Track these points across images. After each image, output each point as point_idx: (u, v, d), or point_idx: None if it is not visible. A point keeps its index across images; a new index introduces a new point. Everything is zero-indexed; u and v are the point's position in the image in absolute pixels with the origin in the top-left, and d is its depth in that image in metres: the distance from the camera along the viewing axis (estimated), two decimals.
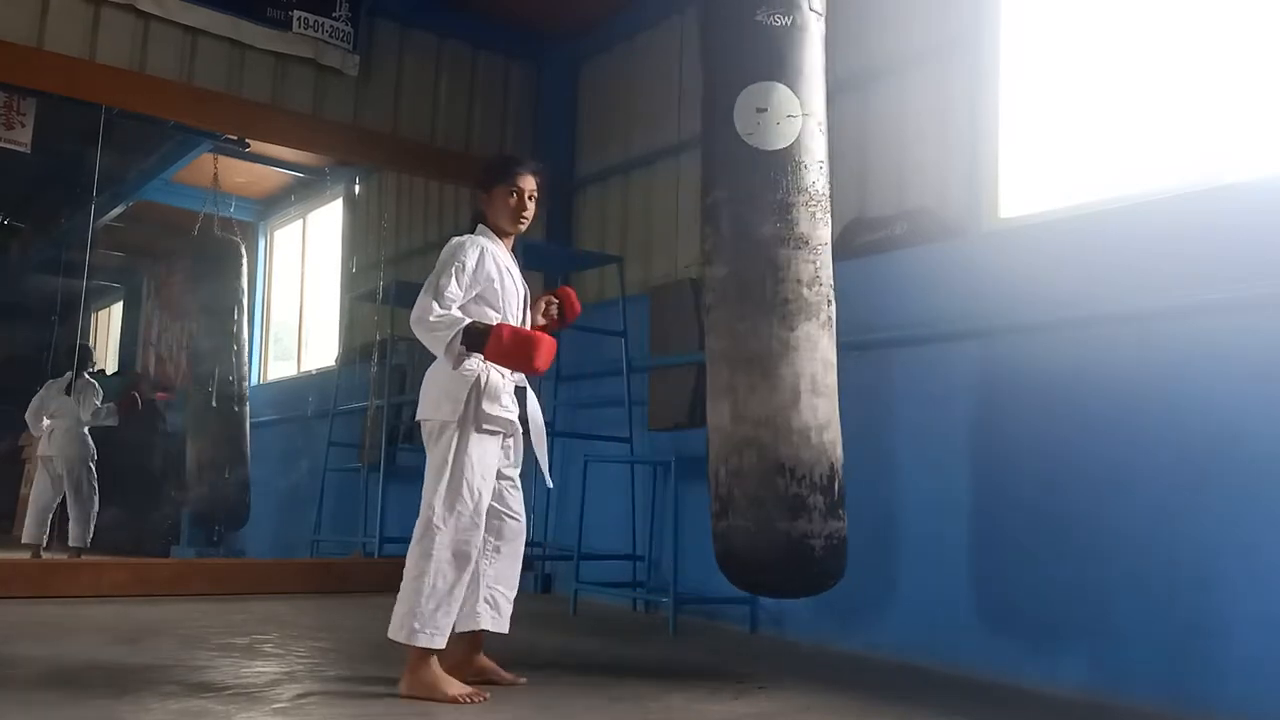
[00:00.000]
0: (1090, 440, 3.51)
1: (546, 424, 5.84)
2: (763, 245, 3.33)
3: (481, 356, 2.98)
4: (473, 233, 3.22)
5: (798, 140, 3.34)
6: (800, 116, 3.35)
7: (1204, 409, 3.23)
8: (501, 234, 3.24)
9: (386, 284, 6.98)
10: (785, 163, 3.34)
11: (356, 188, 8.82)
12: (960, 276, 4.03)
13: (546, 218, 6.72)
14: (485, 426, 3.04)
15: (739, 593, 4.57)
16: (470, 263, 3.05)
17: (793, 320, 3.28)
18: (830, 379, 3.35)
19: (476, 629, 3.16)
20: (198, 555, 8.24)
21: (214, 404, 7.93)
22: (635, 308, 5.66)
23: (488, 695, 2.96)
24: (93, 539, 7.53)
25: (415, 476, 6.62)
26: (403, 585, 2.99)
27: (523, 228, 3.27)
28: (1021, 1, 4.27)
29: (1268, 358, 3.09)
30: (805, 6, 3.42)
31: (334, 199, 9.24)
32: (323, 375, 8.64)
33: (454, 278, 3.01)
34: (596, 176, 6.55)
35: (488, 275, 3.10)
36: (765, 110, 3.35)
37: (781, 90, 3.36)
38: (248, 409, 8.32)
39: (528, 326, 3.24)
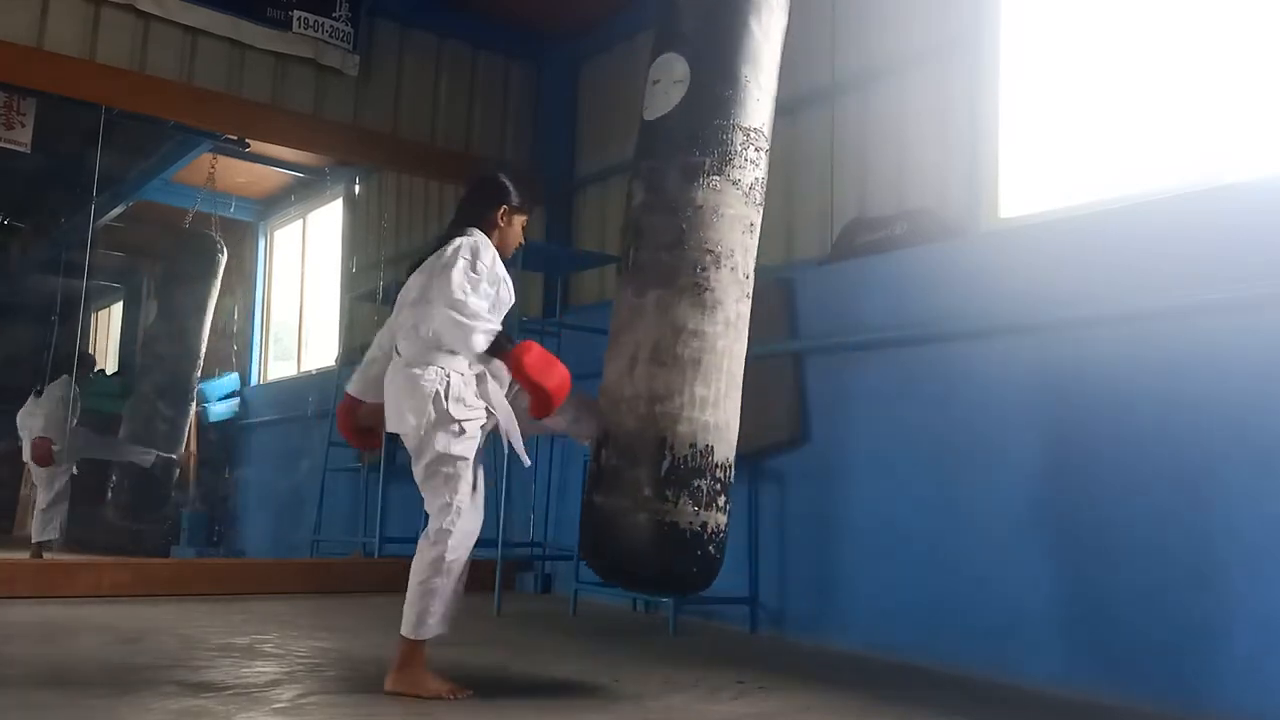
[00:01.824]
0: (1090, 439, 3.51)
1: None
2: (635, 212, 3.20)
3: (494, 363, 2.95)
4: (462, 231, 3.12)
5: (679, 105, 3.15)
6: (686, 82, 3.15)
7: (1204, 409, 3.22)
8: (500, 255, 3.18)
9: (386, 284, 6.97)
10: (661, 129, 3.19)
11: (356, 188, 8.83)
12: (960, 276, 4.02)
13: (547, 217, 6.72)
14: (463, 426, 2.98)
15: (739, 593, 4.59)
16: (489, 264, 3.02)
17: (645, 286, 3.08)
18: (680, 348, 3.02)
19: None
20: (198, 555, 8.24)
21: (159, 405, 7.99)
22: None
23: (470, 691, 2.97)
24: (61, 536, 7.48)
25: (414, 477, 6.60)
26: (417, 586, 2.97)
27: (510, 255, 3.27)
28: (1021, 1, 4.27)
29: (1268, 358, 3.09)
30: None
31: (334, 199, 9.25)
32: (323, 375, 8.64)
33: (483, 278, 2.97)
34: (596, 176, 6.55)
35: (499, 281, 3.08)
36: (658, 82, 3.25)
37: (669, 58, 3.22)
38: (191, 410, 8.35)
39: None
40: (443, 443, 2.95)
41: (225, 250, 8.60)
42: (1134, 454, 3.38)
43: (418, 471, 3.03)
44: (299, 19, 5.86)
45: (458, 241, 3.03)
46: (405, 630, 2.96)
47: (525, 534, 5.92)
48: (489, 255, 3.04)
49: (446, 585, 2.95)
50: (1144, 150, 3.76)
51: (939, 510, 3.97)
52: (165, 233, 8.95)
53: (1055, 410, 3.63)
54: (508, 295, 3.17)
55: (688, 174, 3.11)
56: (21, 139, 6.63)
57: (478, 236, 3.08)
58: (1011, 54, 4.25)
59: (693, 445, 2.99)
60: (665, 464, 2.96)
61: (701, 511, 3.00)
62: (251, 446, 9.78)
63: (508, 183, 3.28)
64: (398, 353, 3.07)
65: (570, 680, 3.36)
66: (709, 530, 3.02)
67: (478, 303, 2.92)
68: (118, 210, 8.72)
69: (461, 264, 2.94)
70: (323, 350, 9.20)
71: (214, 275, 8.47)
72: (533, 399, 2.91)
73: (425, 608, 2.94)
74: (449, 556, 2.95)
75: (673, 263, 3.06)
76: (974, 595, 3.81)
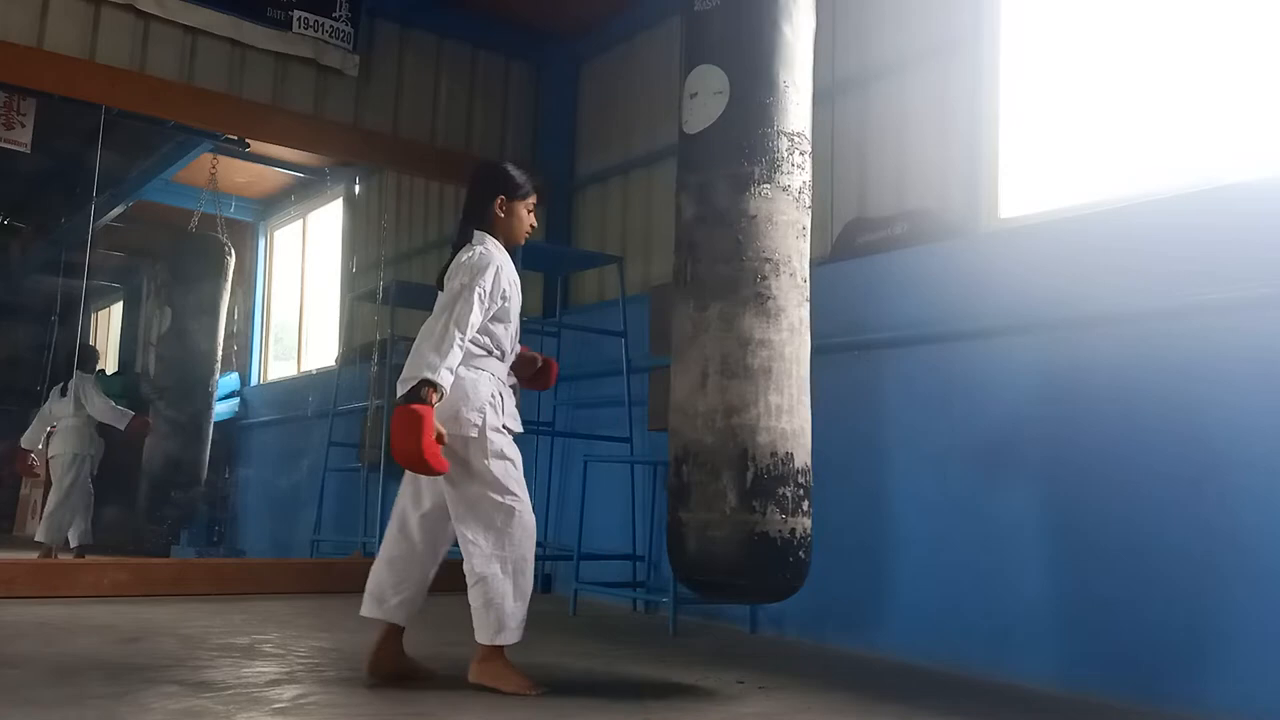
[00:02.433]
0: (1091, 440, 3.51)
1: (546, 424, 5.89)
2: (687, 226, 3.25)
3: (478, 370, 3.03)
4: (469, 240, 3.14)
5: (722, 117, 3.17)
6: (726, 93, 3.16)
7: (1204, 409, 3.23)
8: (509, 245, 3.23)
9: (386, 284, 6.98)
10: (705, 142, 3.21)
11: (356, 188, 8.84)
12: (960, 276, 4.02)
13: (547, 218, 6.72)
14: (507, 426, 3.10)
15: None
16: (489, 285, 3.03)
17: (706, 300, 3.12)
18: (750, 359, 3.06)
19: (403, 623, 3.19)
20: (198, 555, 8.24)
21: (184, 408, 7.98)
22: (635, 308, 5.66)
23: (544, 689, 3.02)
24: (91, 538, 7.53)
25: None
26: (481, 590, 3.00)
27: (523, 241, 3.30)
28: (1021, 1, 4.28)
29: (1268, 358, 3.09)
30: None
31: (334, 199, 9.26)
32: (323, 375, 8.64)
33: (476, 305, 2.98)
34: (596, 176, 6.55)
35: (503, 293, 3.11)
36: (696, 95, 3.25)
37: (705, 70, 3.23)
38: (213, 410, 8.34)
39: (517, 343, 3.27)
40: (498, 443, 3.04)
41: (233, 251, 8.59)
42: (1134, 454, 3.39)
43: (461, 477, 3.02)
44: (299, 19, 5.86)
45: (462, 259, 3.05)
46: (481, 636, 3.01)
47: None
48: (489, 274, 3.03)
49: (517, 585, 3.02)
50: (1143, 150, 3.76)
51: (939, 510, 3.97)
52: (172, 235, 8.93)
53: (1055, 410, 3.63)
54: (518, 298, 3.22)
55: (738, 185, 3.14)
56: (21, 139, 6.63)
57: (479, 249, 3.09)
58: (1011, 54, 4.25)
59: (773, 454, 3.04)
60: (749, 475, 3.01)
61: (789, 518, 3.05)
62: (251, 446, 9.78)
63: (502, 171, 3.27)
64: None
65: (570, 680, 3.36)
66: (797, 535, 3.07)
67: (456, 340, 2.90)
68: (118, 210, 8.71)
69: (450, 300, 2.96)
70: (323, 350, 9.21)
71: (224, 276, 8.46)
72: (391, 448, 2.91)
73: (500, 613, 2.99)
74: (511, 556, 3.01)
75: (732, 275, 3.10)
76: (974, 595, 3.82)
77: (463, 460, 3.01)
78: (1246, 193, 3.27)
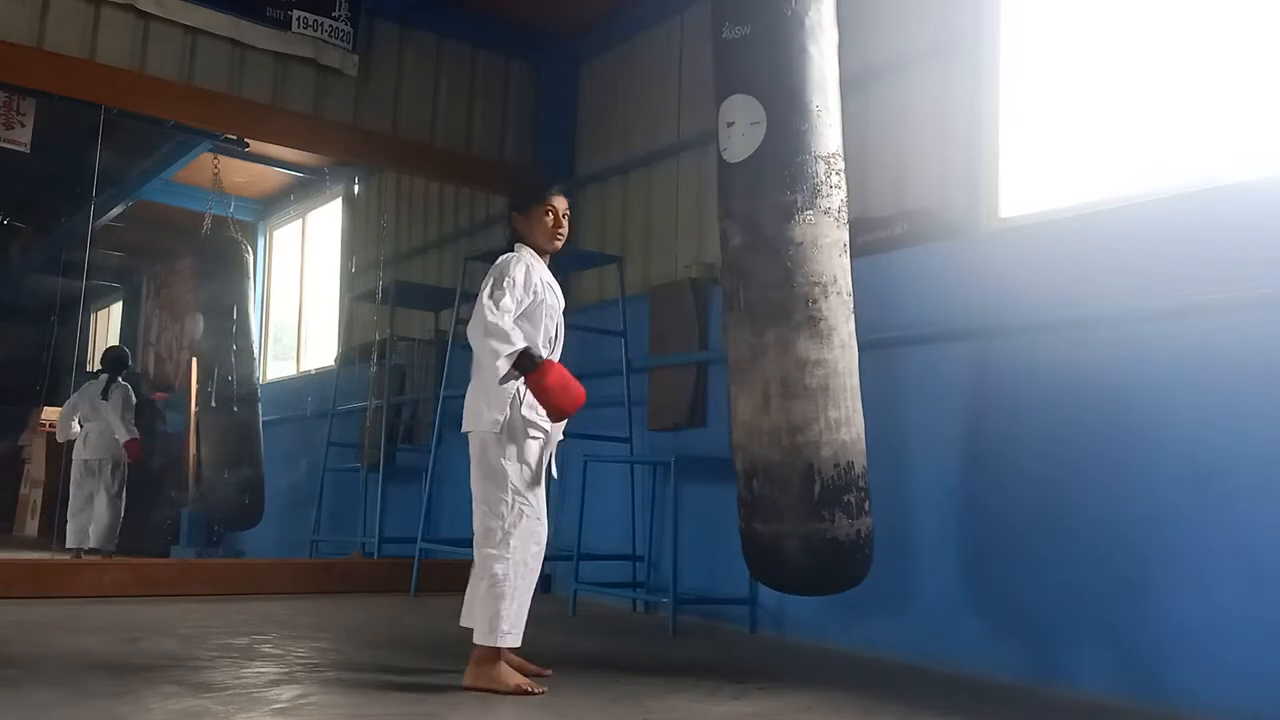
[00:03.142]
0: (1090, 440, 3.51)
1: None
2: (736, 253, 3.39)
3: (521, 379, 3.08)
4: (511, 250, 3.31)
5: (762, 147, 3.31)
6: (763, 123, 3.31)
7: (1204, 409, 3.23)
8: (540, 252, 3.34)
9: (386, 284, 6.97)
10: (747, 172, 3.35)
11: (356, 188, 8.83)
12: (960, 276, 4.03)
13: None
14: (530, 433, 3.16)
15: (739, 593, 4.59)
16: (520, 278, 3.17)
17: (761, 325, 3.30)
18: (808, 379, 3.26)
19: None
20: (198, 555, 8.23)
21: (235, 408, 7.91)
22: (635, 308, 5.66)
23: (545, 689, 3.07)
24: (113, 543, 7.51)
25: (415, 477, 6.64)
26: (481, 590, 3.09)
27: (558, 245, 3.38)
28: (1021, 1, 4.27)
29: (1267, 358, 3.09)
30: (772, 10, 3.34)
31: (334, 199, 9.26)
32: (322, 375, 8.64)
33: (507, 291, 3.11)
34: (596, 176, 6.55)
35: (534, 290, 3.21)
36: (733, 124, 3.38)
37: (740, 100, 3.36)
38: (259, 410, 8.26)
39: (561, 343, 3.38)
40: (513, 446, 3.12)
41: (249, 248, 8.57)
42: (1134, 454, 3.39)
43: (479, 473, 3.16)
44: (299, 19, 5.85)
45: (496, 265, 3.22)
46: (478, 636, 3.07)
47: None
48: (520, 270, 3.19)
49: (517, 588, 3.08)
50: (1144, 150, 3.76)
51: (939, 510, 3.97)
52: (187, 237, 8.91)
53: (1055, 410, 3.63)
54: (555, 300, 3.33)
55: (782, 214, 3.29)
56: (21, 139, 6.62)
57: (511, 255, 3.27)
58: (1011, 54, 4.25)
59: (836, 465, 3.26)
60: (817, 488, 3.23)
61: (854, 521, 3.28)
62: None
63: (515, 190, 3.51)
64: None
65: (570, 680, 3.36)
66: (862, 535, 3.32)
67: (505, 323, 3.05)
68: (117, 210, 8.70)
69: (489, 289, 3.11)
70: (322, 350, 9.20)
71: (246, 274, 8.43)
72: (548, 413, 3.09)
73: (496, 612, 3.04)
74: (514, 559, 3.08)
75: (784, 301, 3.28)
76: (974, 595, 3.82)
77: (483, 458, 3.15)
78: (1246, 193, 3.27)
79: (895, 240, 4.41)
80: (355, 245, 8.74)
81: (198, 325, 8.28)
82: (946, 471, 3.96)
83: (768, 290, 3.29)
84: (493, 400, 3.13)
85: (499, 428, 3.11)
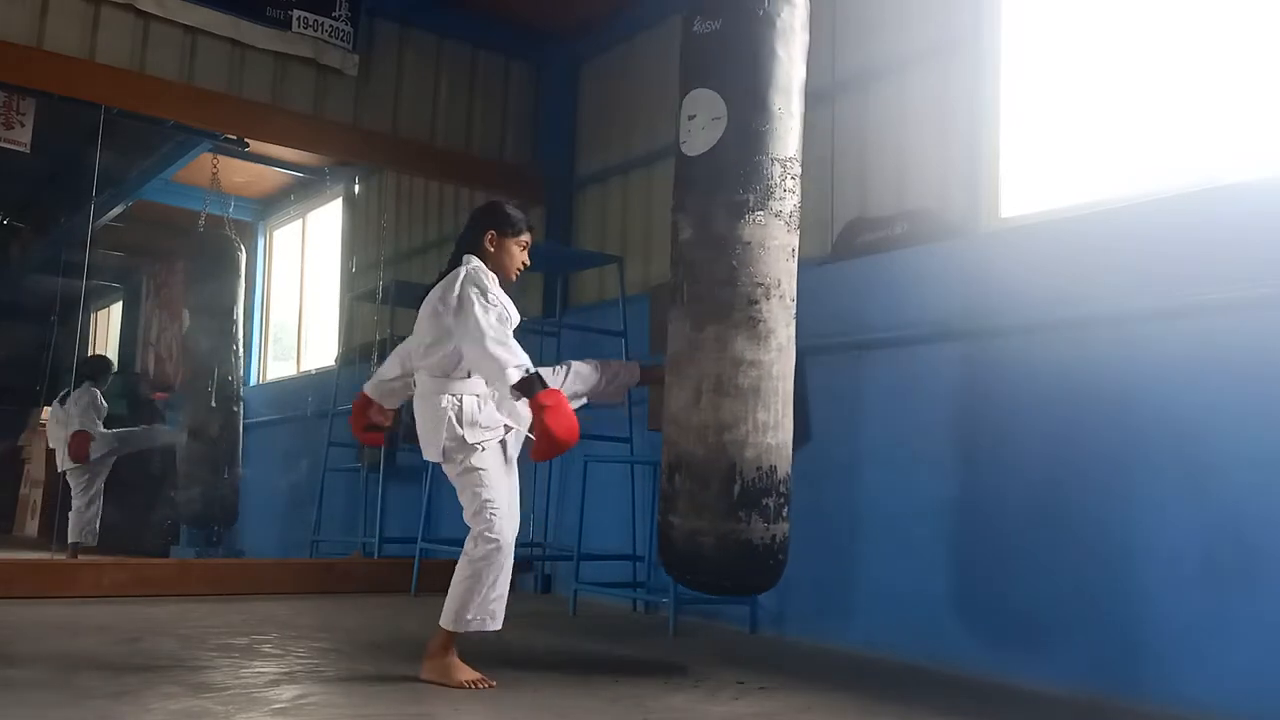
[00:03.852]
0: (1090, 440, 3.51)
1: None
2: (684, 248, 3.38)
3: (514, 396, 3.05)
4: (456, 263, 3.30)
5: (720, 143, 3.31)
6: (724, 119, 3.30)
7: (1205, 409, 3.23)
8: (499, 277, 3.33)
9: (386, 284, 6.97)
10: (702, 167, 3.35)
11: (356, 188, 8.82)
12: (960, 276, 4.03)
13: (546, 218, 6.72)
14: (480, 445, 3.19)
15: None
16: (500, 294, 3.19)
17: (701, 321, 3.28)
18: (741, 379, 3.25)
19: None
20: (198, 555, 8.22)
21: (213, 404, 7.89)
22: (635, 308, 5.66)
23: (494, 683, 3.12)
24: (88, 539, 7.50)
25: (415, 477, 6.63)
26: (459, 584, 3.15)
27: (514, 278, 3.41)
28: (1021, 1, 4.27)
29: (1267, 358, 3.09)
30: (744, 8, 3.33)
31: (334, 199, 9.24)
32: (322, 375, 8.63)
33: (496, 305, 3.13)
34: (596, 176, 6.55)
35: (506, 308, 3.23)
36: (694, 117, 3.38)
37: (703, 94, 3.36)
38: (239, 411, 8.29)
39: None
40: (464, 458, 3.16)
41: (244, 248, 8.57)
42: (1134, 454, 3.39)
43: (459, 478, 3.24)
44: (299, 19, 5.85)
45: (460, 274, 3.19)
46: (442, 621, 3.14)
47: (525, 534, 5.92)
48: (497, 286, 3.20)
49: (481, 583, 3.11)
50: (1144, 150, 3.76)
51: (939, 510, 3.97)
52: (182, 235, 8.90)
53: (1055, 410, 3.63)
54: (515, 316, 3.30)
55: (733, 212, 3.29)
56: (21, 139, 6.61)
57: (474, 264, 3.25)
58: (1011, 54, 4.25)
59: (759, 468, 3.24)
60: (737, 488, 3.22)
61: (771, 525, 3.26)
62: (251, 446, 9.76)
63: (496, 207, 3.44)
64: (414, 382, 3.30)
65: (570, 680, 3.36)
66: (777, 540, 3.30)
67: (507, 334, 3.07)
68: (117, 210, 8.68)
69: (477, 300, 3.09)
70: (322, 350, 9.20)
71: (237, 273, 8.43)
72: (540, 444, 3.04)
73: (463, 603, 3.11)
74: (477, 555, 3.12)
75: (726, 298, 3.27)
76: (974, 595, 3.82)
77: (455, 463, 3.19)
78: (1246, 193, 3.27)
79: (895, 240, 4.41)
80: (355, 245, 8.73)
81: (184, 322, 8.29)
82: (946, 471, 3.96)
83: (712, 287, 3.28)
84: (434, 424, 3.17)
85: (451, 444, 3.15)
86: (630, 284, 5.84)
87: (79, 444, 7.53)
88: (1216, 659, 3.11)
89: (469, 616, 3.12)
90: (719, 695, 3.16)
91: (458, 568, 3.18)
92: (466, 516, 3.19)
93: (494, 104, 6.80)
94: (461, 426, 3.15)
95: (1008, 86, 4.24)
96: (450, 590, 3.16)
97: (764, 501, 3.24)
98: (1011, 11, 4.28)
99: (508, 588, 3.21)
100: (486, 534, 3.12)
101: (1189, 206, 3.39)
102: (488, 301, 3.10)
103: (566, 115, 6.80)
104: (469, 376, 3.20)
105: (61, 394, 7.62)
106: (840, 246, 4.68)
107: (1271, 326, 3.09)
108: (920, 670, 3.78)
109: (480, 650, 3.39)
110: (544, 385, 3.01)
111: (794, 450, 4.54)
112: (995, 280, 3.88)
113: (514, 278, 3.40)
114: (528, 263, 3.44)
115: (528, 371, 3.00)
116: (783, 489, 3.31)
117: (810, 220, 4.92)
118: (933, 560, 3.97)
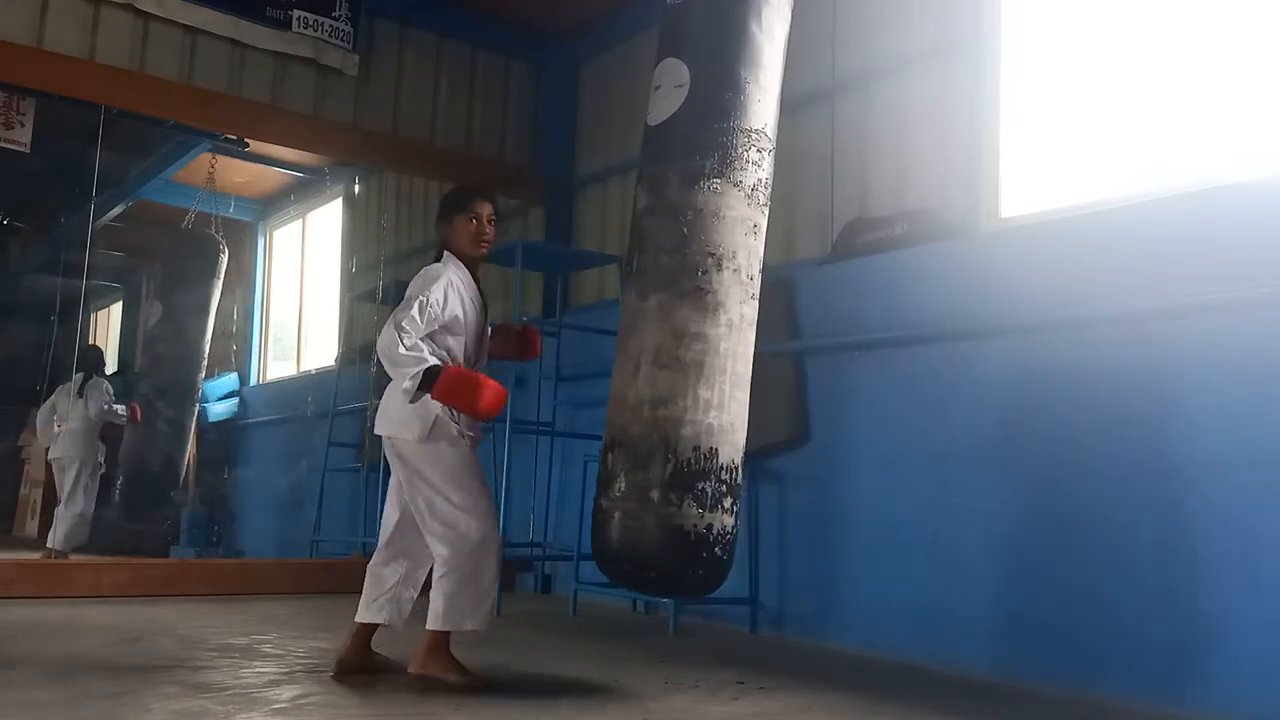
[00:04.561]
0: (1091, 440, 3.51)
1: (546, 424, 5.89)
2: (638, 217, 3.26)
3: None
4: (438, 260, 3.30)
5: (680, 110, 3.18)
6: (686, 87, 3.18)
7: (1204, 408, 3.23)
8: (466, 260, 3.32)
9: (386, 283, 6.98)
10: (663, 134, 3.24)
11: (356, 188, 8.83)
12: (960, 276, 4.02)
13: (546, 218, 6.72)
14: (458, 435, 3.17)
15: (739, 593, 4.59)
16: (437, 297, 3.15)
17: (647, 290, 3.13)
18: (682, 351, 3.04)
19: (380, 623, 3.29)
20: (197, 555, 8.23)
21: (159, 406, 8.00)
22: None
23: (484, 682, 3.12)
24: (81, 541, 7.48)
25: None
26: (446, 582, 3.11)
27: (484, 251, 3.37)
28: (1021, 1, 4.27)
29: (1268, 358, 3.09)
30: None
31: (334, 199, 9.25)
32: (322, 375, 8.63)
33: (418, 312, 3.10)
34: (596, 176, 6.54)
35: (451, 311, 3.19)
36: (659, 88, 3.28)
37: (669, 64, 3.26)
38: (194, 411, 8.38)
39: (484, 354, 3.39)
40: (442, 447, 3.14)
41: (226, 249, 8.59)
42: (1134, 453, 3.39)
43: (407, 480, 3.19)
44: (299, 18, 5.85)
45: (420, 278, 3.22)
46: (430, 624, 3.12)
47: (525, 534, 5.92)
48: (440, 290, 3.17)
49: (463, 580, 3.10)
50: (1144, 150, 3.76)
51: (939, 510, 3.97)
52: (166, 233, 8.93)
53: (1055, 410, 3.63)
54: (475, 313, 3.30)
55: (688, 178, 3.14)
56: (21, 139, 6.62)
57: (432, 270, 3.25)
58: (1011, 54, 4.25)
59: (696, 448, 2.99)
60: (669, 467, 2.97)
61: (706, 514, 2.99)
62: (251, 446, 9.77)
63: (445, 197, 3.45)
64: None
65: (570, 680, 3.36)
66: (715, 532, 3.01)
67: (404, 346, 3.03)
68: (117, 210, 8.70)
69: (397, 311, 3.11)
70: (322, 350, 9.20)
71: (216, 275, 8.45)
72: (469, 412, 3.09)
73: (453, 602, 3.09)
74: (450, 553, 3.10)
75: (674, 266, 3.09)
76: (974, 595, 3.81)
77: (415, 467, 3.15)
78: (1246, 193, 3.27)
79: (895, 240, 4.41)
80: (355, 245, 8.73)
81: (154, 314, 8.32)
82: (946, 472, 3.96)
83: (660, 255, 3.12)
84: (418, 409, 3.12)
85: (424, 436, 3.12)
86: None
87: (134, 410, 7.71)
88: (1217, 659, 3.11)
89: (454, 615, 3.11)
90: (719, 695, 3.16)
91: (435, 568, 3.17)
92: (432, 514, 3.15)
93: (494, 104, 6.80)
94: (445, 414, 3.13)
95: (1008, 86, 4.24)
96: (431, 591, 3.16)
97: (699, 485, 2.97)
98: (1011, 11, 4.28)
99: (496, 585, 3.19)
100: (453, 531, 3.12)
101: (1189, 206, 3.39)
102: (411, 311, 3.07)
103: (566, 115, 6.80)
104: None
105: (60, 388, 7.60)
106: (840, 246, 4.68)
107: (1271, 326, 3.09)
108: (920, 670, 3.78)
109: (482, 649, 3.39)
110: (434, 373, 2.99)
111: (793, 449, 4.57)
112: (995, 280, 3.88)
113: (483, 250, 3.34)
114: (488, 232, 3.34)
115: (414, 377, 2.99)
116: (725, 476, 3.03)
117: (810, 220, 4.96)
118: (933, 560, 3.96)
